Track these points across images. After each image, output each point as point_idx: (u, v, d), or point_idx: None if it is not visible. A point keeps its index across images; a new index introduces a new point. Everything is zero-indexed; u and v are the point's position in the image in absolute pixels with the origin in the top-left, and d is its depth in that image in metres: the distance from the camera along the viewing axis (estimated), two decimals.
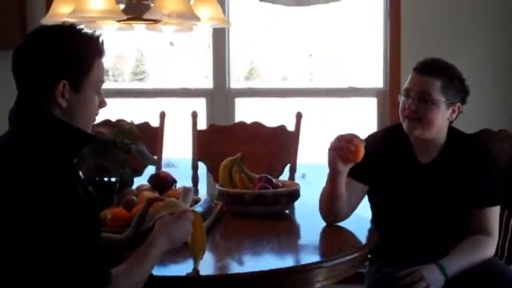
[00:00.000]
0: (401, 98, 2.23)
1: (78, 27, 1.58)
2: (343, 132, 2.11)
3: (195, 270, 1.67)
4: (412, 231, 2.25)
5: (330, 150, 2.09)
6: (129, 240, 1.76)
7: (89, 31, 1.57)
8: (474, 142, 2.31)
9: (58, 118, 1.52)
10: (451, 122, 2.26)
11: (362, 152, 2.04)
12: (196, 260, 1.68)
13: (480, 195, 2.21)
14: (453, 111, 2.22)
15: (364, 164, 2.24)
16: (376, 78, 3.82)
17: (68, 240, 1.38)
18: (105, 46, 1.58)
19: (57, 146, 1.49)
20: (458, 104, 2.23)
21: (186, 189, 1.82)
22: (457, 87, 2.21)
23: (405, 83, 2.25)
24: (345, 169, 2.11)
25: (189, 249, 1.68)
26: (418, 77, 2.20)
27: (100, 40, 1.57)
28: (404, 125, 2.22)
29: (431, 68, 2.20)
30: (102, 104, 1.62)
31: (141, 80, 8.39)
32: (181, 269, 1.68)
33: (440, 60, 2.24)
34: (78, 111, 1.55)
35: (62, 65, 1.50)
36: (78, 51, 1.53)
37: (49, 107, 1.51)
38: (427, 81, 2.17)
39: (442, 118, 2.20)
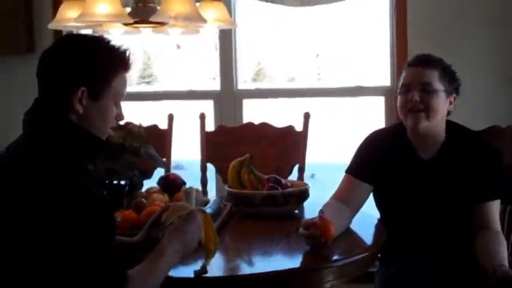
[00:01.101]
0: (400, 95, 2.24)
1: (107, 38, 1.60)
2: (307, 218, 1.98)
3: (203, 268, 1.67)
4: (415, 227, 2.24)
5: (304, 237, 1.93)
6: (139, 244, 1.77)
7: (117, 44, 1.60)
8: (474, 136, 2.31)
9: (75, 123, 1.54)
10: (448, 115, 2.27)
11: (332, 230, 1.88)
12: (207, 257, 1.68)
13: (484, 189, 2.21)
14: (450, 102, 2.24)
15: (366, 163, 2.25)
16: (383, 77, 3.82)
17: (85, 241, 1.40)
18: (131, 60, 1.61)
19: (71, 151, 1.50)
20: (454, 94, 2.26)
21: (188, 190, 1.81)
22: (451, 77, 2.25)
23: (401, 80, 2.26)
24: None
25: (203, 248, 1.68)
26: (416, 70, 2.23)
27: (126, 54, 1.59)
28: (409, 120, 2.21)
29: (426, 60, 2.24)
30: (119, 117, 1.65)
31: (148, 83, 8.42)
32: (191, 270, 1.68)
33: (430, 54, 2.28)
34: (94, 119, 1.57)
35: (83, 72, 1.53)
36: (101, 60, 1.56)
37: (66, 112, 1.54)
38: (426, 73, 2.21)
39: (443, 108, 2.22)
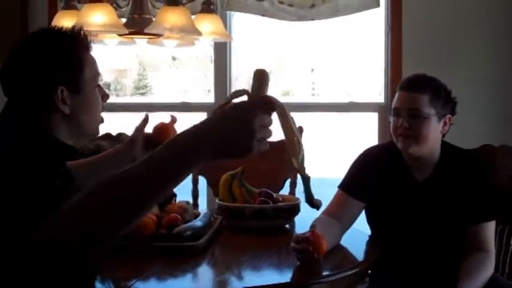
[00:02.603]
0: (392, 118, 2.23)
1: (56, 28, 1.52)
2: (298, 232, 1.93)
3: (302, 171, 1.36)
4: (407, 246, 2.23)
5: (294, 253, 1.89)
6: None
7: (68, 29, 1.51)
8: (469, 157, 2.30)
9: (45, 133, 1.45)
10: (443, 136, 2.25)
11: (324, 245, 1.87)
12: (297, 161, 1.35)
13: (477, 211, 2.20)
14: (444, 123, 2.22)
15: (360, 181, 2.24)
16: (377, 93, 3.83)
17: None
18: (89, 38, 1.52)
19: (36, 156, 1.37)
20: (449, 115, 2.23)
21: (262, 71, 1.20)
22: (444, 98, 2.22)
23: (394, 103, 2.24)
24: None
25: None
26: (405, 95, 2.20)
27: (82, 34, 1.51)
28: (399, 144, 2.21)
29: (416, 84, 2.20)
30: (105, 97, 1.59)
31: (143, 94, 8.42)
32: (180, 284, 1.67)
33: (424, 75, 2.25)
34: (83, 113, 1.51)
35: (54, 72, 1.45)
36: (66, 53, 1.47)
37: (51, 115, 1.46)
38: (415, 97, 2.17)
39: (435, 132, 2.19)
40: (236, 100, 1.19)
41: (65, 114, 1.47)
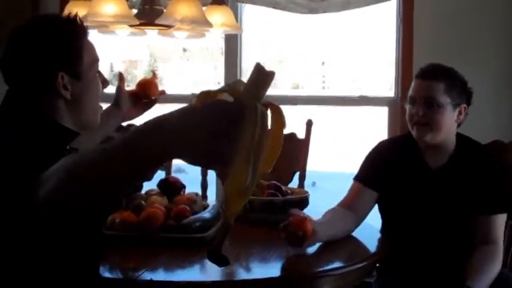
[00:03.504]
0: (407, 106, 2.26)
1: (53, 15, 1.55)
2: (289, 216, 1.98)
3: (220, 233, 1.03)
4: (418, 236, 2.24)
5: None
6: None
7: (65, 16, 1.53)
8: (484, 149, 2.32)
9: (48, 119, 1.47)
10: (459, 125, 2.27)
11: (308, 224, 1.91)
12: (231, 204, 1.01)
13: (490, 202, 2.21)
14: (459, 112, 2.23)
15: (374, 171, 2.26)
16: (388, 87, 3.81)
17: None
18: (85, 25, 1.54)
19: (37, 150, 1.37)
20: (464, 105, 2.24)
21: (263, 70, 0.94)
22: (460, 88, 2.23)
23: (410, 91, 2.26)
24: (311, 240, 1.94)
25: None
26: (422, 83, 2.23)
27: (78, 20, 1.52)
28: (414, 132, 2.23)
29: (433, 72, 2.23)
30: (105, 83, 1.60)
31: None
32: (188, 275, 1.68)
33: (440, 64, 2.27)
34: (84, 98, 1.52)
35: (54, 58, 1.47)
36: (65, 39, 1.48)
37: (54, 102, 1.48)
38: (431, 86, 2.20)
39: (449, 120, 2.21)
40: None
41: (67, 100, 1.48)
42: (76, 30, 1.51)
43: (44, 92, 1.48)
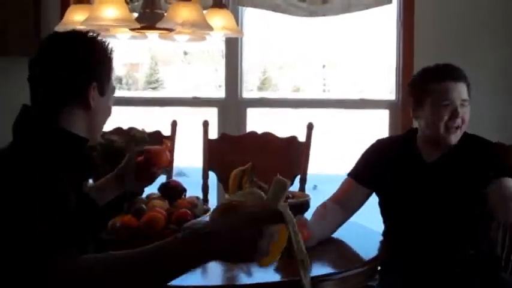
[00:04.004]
0: (437, 107, 2.20)
1: (89, 34, 1.62)
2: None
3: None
4: (419, 234, 2.23)
5: None
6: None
7: (95, 35, 1.63)
8: (486, 142, 2.29)
9: (65, 130, 1.54)
10: None
11: (306, 235, 1.92)
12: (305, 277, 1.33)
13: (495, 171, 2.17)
14: None
15: (368, 169, 2.26)
16: (389, 91, 3.81)
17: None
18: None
19: (57, 157, 1.46)
20: None
21: (280, 181, 1.26)
22: (469, 86, 2.25)
23: (438, 93, 2.20)
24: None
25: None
26: (454, 85, 2.21)
27: (110, 47, 1.64)
28: (448, 136, 2.20)
29: (459, 73, 2.24)
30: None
31: (155, 88, 8.43)
32: (189, 280, 1.67)
33: (451, 64, 2.27)
34: (99, 114, 1.62)
35: (93, 67, 1.57)
36: (102, 55, 1.60)
37: (76, 109, 1.55)
38: (463, 87, 2.22)
39: None
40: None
41: (87, 111, 1.57)
42: (109, 51, 1.62)
43: (73, 96, 1.55)
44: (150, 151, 1.95)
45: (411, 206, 2.25)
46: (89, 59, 1.57)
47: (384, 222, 2.37)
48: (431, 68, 2.27)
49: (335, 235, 2.20)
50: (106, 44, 1.62)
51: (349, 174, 2.34)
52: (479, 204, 2.16)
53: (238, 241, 1.18)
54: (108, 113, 1.68)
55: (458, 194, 2.20)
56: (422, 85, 2.25)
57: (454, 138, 2.21)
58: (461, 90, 2.20)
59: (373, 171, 2.28)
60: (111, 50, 1.63)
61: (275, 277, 1.80)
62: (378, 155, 2.33)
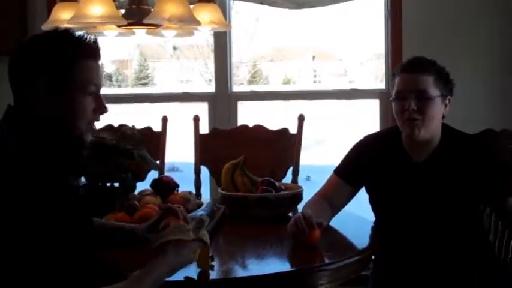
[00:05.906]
0: (395, 102, 2.19)
1: (71, 31, 1.56)
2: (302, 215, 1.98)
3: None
4: (409, 229, 2.23)
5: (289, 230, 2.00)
6: (130, 234, 1.81)
7: (79, 34, 1.54)
8: (472, 138, 2.29)
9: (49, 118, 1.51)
10: (443, 118, 2.23)
11: (317, 236, 1.95)
12: None
13: (494, 189, 2.19)
14: (445, 105, 2.20)
15: (354, 168, 2.26)
16: (379, 80, 3.82)
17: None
18: (97, 49, 1.55)
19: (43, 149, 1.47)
20: (449, 97, 2.22)
21: (201, 220, 1.69)
22: (445, 79, 2.20)
23: (396, 86, 2.20)
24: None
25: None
26: (410, 77, 2.17)
27: (87, 42, 1.53)
28: (406, 129, 2.18)
29: (421, 65, 2.18)
30: (100, 110, 1.57)
31: (145, 85, 8.40)
32: (184, 274, 1.68)
33: (423, 57, 2.22)
34: (66, 115, 1.52)
35: (43, 65, 1.49)
36: (58, 52, 1.50)
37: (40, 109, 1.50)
38: (421, 79, 2.15)
39: (439, 114, 2.18)
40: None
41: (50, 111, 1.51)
42: (76, 48, 1.52)
43: (34, 97, 1.51)
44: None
45: (400, 205, 2.24)
46: (41, 56, 1.50)
47: (375, 218, 2.37)
48: (401, 63, 2.27)
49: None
50: (72, 38, 1.53)
51: (335, 171, 2.34)
52: (467, 200, 2.19)
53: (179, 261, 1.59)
54: (80, 115, 1.54)
55: (446, 192, 2.20)
56: (392, 81, 2.26)
57: (417, 132, 2.14)
58: (417, 82, 2.14)
59: (359, 170, 2.28)
60: (79, 44, 1.52)
61: (270, 269, 1.81)
62: (362, 154, 2.31)
